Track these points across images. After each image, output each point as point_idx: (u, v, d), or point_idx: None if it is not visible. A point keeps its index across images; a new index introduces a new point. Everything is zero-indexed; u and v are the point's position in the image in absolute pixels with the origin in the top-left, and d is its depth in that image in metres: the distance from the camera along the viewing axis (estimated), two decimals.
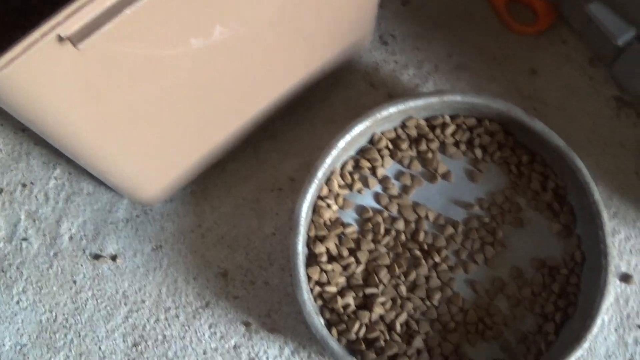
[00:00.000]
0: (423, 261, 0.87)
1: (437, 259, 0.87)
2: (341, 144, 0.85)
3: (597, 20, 0.93)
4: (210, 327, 0.90)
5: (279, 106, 0.92)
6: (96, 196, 0.94)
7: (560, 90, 0.99)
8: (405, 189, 0.90)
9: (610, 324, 0.90)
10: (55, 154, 0.95)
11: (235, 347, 0.89)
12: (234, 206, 0.93)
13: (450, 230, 0.89)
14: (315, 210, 0.87)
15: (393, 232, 0.88)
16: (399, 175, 0.91)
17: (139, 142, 0.77)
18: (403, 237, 0.88)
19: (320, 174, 0.85)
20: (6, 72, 0.53)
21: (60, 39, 0.54)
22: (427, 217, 0.89)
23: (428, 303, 0.86)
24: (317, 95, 0.98)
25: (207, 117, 0.83)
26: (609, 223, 0.86)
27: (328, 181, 0.88)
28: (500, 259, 0.89)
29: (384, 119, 0.87)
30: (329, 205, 0.87)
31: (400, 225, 0.88)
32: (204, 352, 0.89)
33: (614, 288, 0.91)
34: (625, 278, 0.91)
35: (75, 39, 0.54)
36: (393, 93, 0.98)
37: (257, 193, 0.94)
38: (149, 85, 0.69)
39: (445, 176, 0.91)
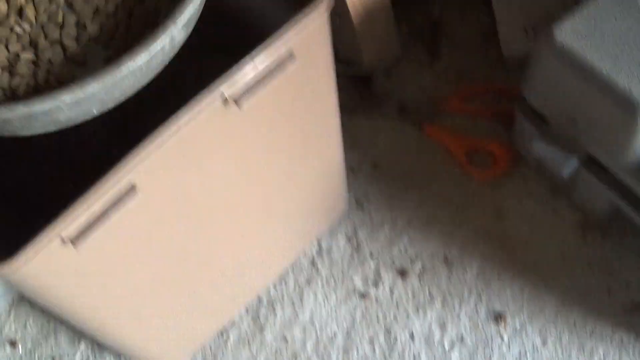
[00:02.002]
0: None
1: None
2: None
3: (541, 158, 0.97)
4: None
5: (270, 281, 1.01)
6: None
7: (527, 225, 1.04)
8: None
9: None
10: (79, 330, 1.03)
11: None
12: None
13: None
14: None
15: None
16: None
17: (147, 317, 0.86)
18: None
19: None
20: (22, 271, 0.62)
21: (63, 241, 0.63)
22: None
23: None
24: (305, 262, 1.06)
25: (209, 290, 0.92)
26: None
27: None
28: None
29: None
30: None
31: None
32: None
33: None
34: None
35: (75, 241, 0.63)
36: (373, 253, 1.04)
37: (259, 356, 1.01)
38: (145, 269, 0.78)
39: None
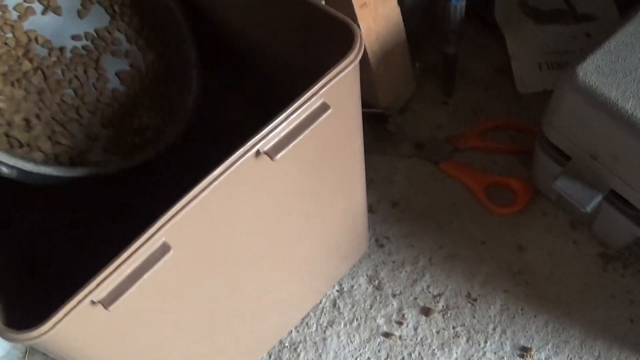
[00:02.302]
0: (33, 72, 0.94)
1: (47, 72, 0.94)
2: None
3: (565, 194, 0.96)
4: None
5: (293, 319, 1.01)
6: None
7: (548, 259, 1.04)
8: (20, 17, 0.96)
9: None
10: None
11: None
12: None
13: (57, 53, 0.96)
14: None
15: (6, 48, 0.94)
16: (16, 6, 0.96)
17: None
18: (14, 53, 0.94)
19: None
20: (52, 334, 0.60)
21: (93, 303, 0.62)
22: (37, 40, 0.96)
23: (41, 104, 0.93)
24: (326, 304, 1.05)
25: (232, 339, 0.91)
26: None
27: None
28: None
29: None
30: None
31: (13, 43, 0.95)
32: None
33: None
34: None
35: (106, 303, 0.62)
36: (395, 292, 1.04)
37: None
38: (171, 324, 0.77)
39: (55, 10, 0.97)
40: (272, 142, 0.66)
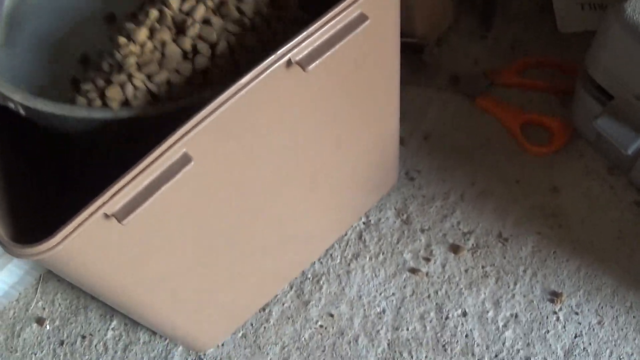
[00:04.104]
0: None
1: None
2: None
3: (606, 134, 0.90)
4: None
5: (315, 257, 0.95)
6: (152, 344, 0.96)
7: (583, 203, 0.97)
8: None
9: None
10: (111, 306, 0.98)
11: None
12: (281, 347, 0.93)
13: None
14: None
15: None
16: None
17: (187, 295, 0.79)
18: None
19: None
20: (61, 248, 0.55)
21: (106, 216, 0.56)
22: None
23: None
24: (352, 236, 0.99)
25: (252, 267, 0.85)
26: None
27: None
28: None
29: None
30: None
31: None
32: None
33: None
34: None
35: (120, 216, 0.56)
36: (424, 227, 0.97)
37: (304, 333, 0.94)
38: (189, 244, 0.71)
39: None
40: (305, 52, 0.59)
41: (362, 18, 0.61)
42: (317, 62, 0.59)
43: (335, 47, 0.60)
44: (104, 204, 0.55)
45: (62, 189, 0.84)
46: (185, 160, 0.57)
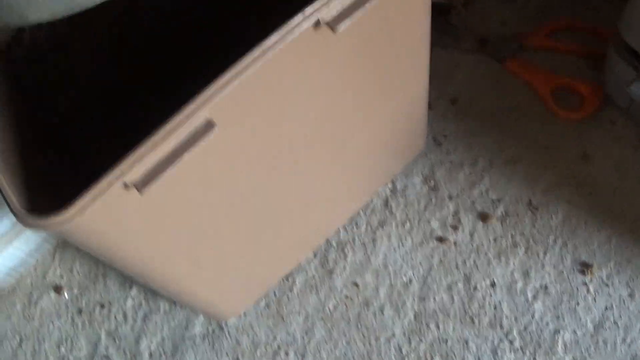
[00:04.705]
0: None
1: None
2: None
3: (638, 101, 0.87)
4: None
5: (340, 224, 0.92)
6: (173, 313, 0.93)
7: (614, 171, 0.93)
8: None
9: None
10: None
11: None
12: (305, 317, 0.90)
13: None
14: None
15: None
16: None
17: (208, 264, 0.76)
18: None
19: None
20: (78, 219, 0.52)
21: (126, 185, 0.53)
22: None
23: None
24: (377, 203, 0.95)
25: (276, 234, 0.82)
26: None
27: None
28: None
29: None
30: None
31: None
32: None
33: None
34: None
35: (140, 186, 0.53)
36: (452, 194, 0.93)
37: (328, 303, 0.91)
38: (211, 212, 0.68)
39: None
40: (335, 11, 0.55)
41: None
42: (346, 21, 0.55)
43: (366, 4, 0.56)
44: (123, 173, 0.52)
45: (76, 160, 0.81)
46: (208, 126, 0.54)
